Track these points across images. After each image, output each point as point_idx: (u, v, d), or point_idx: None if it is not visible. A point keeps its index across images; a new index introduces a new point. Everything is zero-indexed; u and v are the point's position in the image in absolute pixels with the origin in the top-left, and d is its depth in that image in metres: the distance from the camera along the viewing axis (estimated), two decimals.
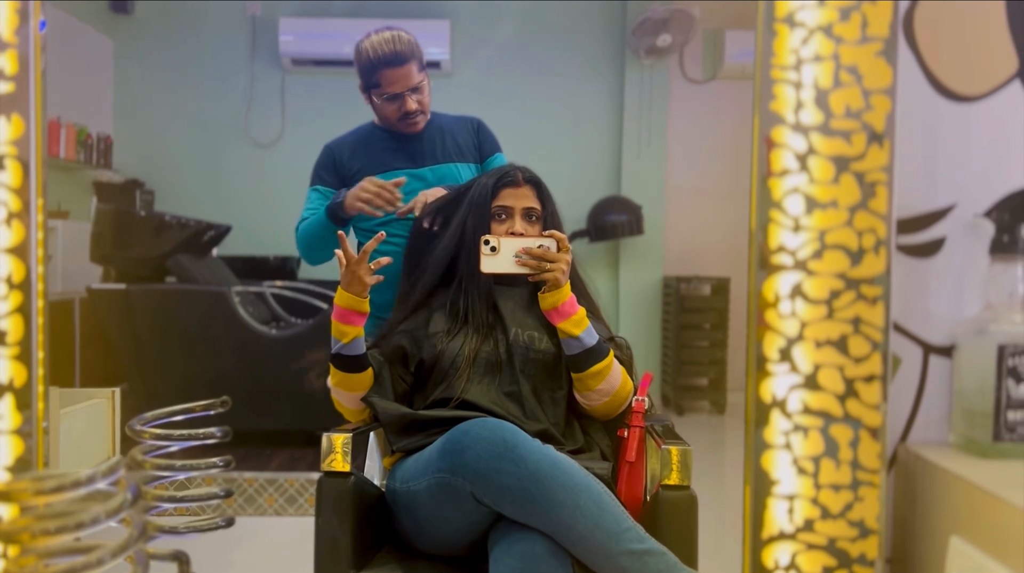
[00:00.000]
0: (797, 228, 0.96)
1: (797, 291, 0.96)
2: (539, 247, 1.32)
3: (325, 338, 1.36)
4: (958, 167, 1.09)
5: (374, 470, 1.45)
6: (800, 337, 0.96)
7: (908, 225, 1.09)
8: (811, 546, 0.96)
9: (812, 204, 0.96)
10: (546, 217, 1.44)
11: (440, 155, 1.72)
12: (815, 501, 0.96)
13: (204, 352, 3.11)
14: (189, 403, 1.07)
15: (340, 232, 1.39)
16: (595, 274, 4.37)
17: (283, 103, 4.40)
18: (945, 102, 1.08)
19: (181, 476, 1.00)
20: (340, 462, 1.22)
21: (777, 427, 0.97)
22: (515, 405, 1.33)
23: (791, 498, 0.97)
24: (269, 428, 3.11)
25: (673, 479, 1.19)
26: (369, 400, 1.34)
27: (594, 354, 1.33)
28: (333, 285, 1.33)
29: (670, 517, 1.18)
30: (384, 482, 1.37)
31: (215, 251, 3.64)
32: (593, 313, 1.44)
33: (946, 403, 1.10)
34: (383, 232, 1.32)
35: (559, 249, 1.33)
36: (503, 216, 1.42)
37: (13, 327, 0.94)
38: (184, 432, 0.98)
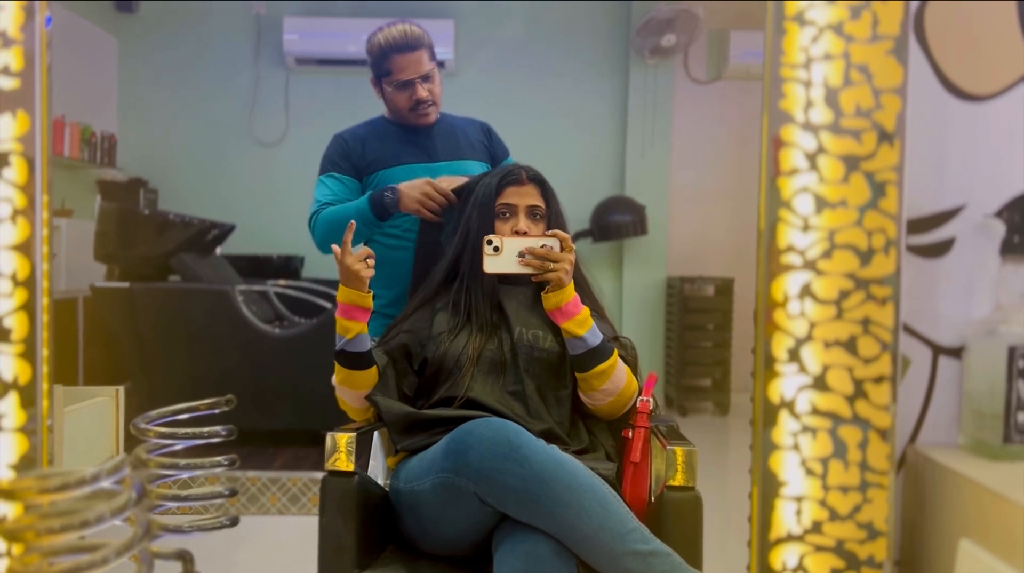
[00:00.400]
0: (806, 228, 0.96)
1: (806, 291, 0.96)
2: (542, 247, 1.32)
3: (329, 337, 1.36)
4: (968, 167, 1.08)
5: (378, 470, 1.45)
6: (809, 337, 0.96)
7: (918, 225, 1.08)
8: (819, 548, 0.96)
9: (821, 203, 0.96)
10: (550, 216, 1.44)
11: (453, 152, 1.71)
12: (823, 503, 0.96)
13: (207, 351, 3.11)
14: (193, 402, 1.07)
15: (334, 246, 1.35)
16: (598, 274, 4.35)
17: (287, 102, 4.40)
18: (956, 101, 1.08)
19: (185, 475, 1.00)
20: (344, 461, 1.21)
21: (785, 428, 0.96)
22: (519, 404, 1.33)
23: (799, 499, 0.96)
24: (272, 427, 3.10)
25: (678, 480, 1.19)
26: (373, 398, 1.34)
27: (598, 354, 1.33)
28: (337, 284, 1.33)
29: (675, 518, 1.17)
30: (388, 482, 1.36)
31: (219, 250, 3.64)
32: (597, 313, 1.44)
33: (955, 405, 1.10)
34: (353, 222, 1.30)
35: (562, 249, 1.33)
36: (507, 214, 1.41)
37: (18, 324, 0.94)
38: (189, 430, 0.98)
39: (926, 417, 1.10)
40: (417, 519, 1.24)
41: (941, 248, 1.09)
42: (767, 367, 0.96)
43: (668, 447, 1.20)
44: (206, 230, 3.38)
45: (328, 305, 3.35)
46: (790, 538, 0.96)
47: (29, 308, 0.93)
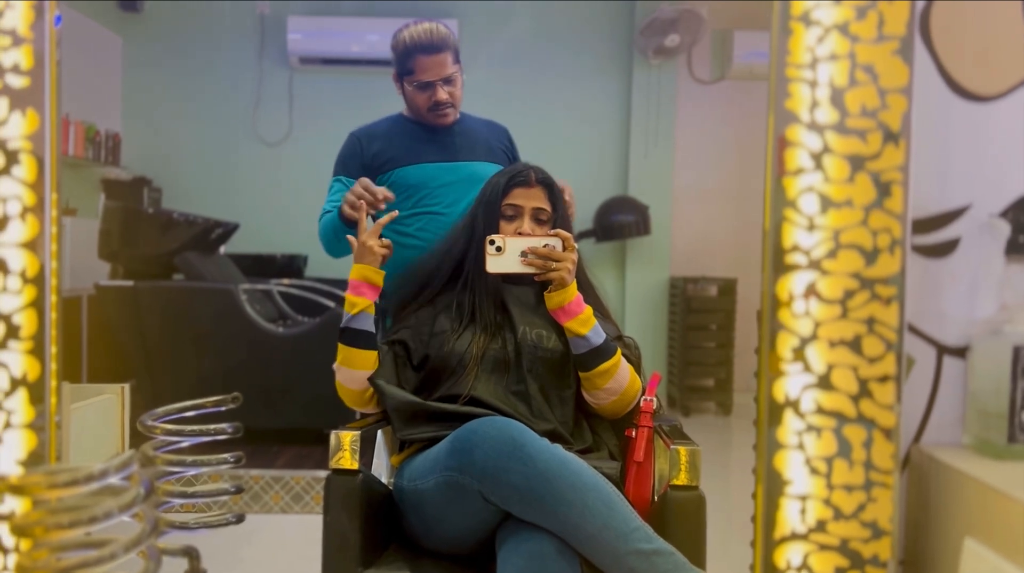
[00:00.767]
0: (812, 227, 0.96)
1: (811, 290, 0.96)
2: (544, 246, 1.32)
3: (332, 337, 1.36)
4: (974, 167, 1.08)
5: (381, 468, 1.45)
6: (814, 337, 0.96)
7: (923, 225, 1.09)
8: (823, 547, 0.96)
9: (827, 203, 0.96)
10: (556, 219, 1.44)
11: (472, 153, 1.70)
12: (828, 502, 0.96)
13: (211, 350, 3.11)
14: (199, 399, 1.07)
15: (350, 237, 1.38)
16: (601, 274, 4.35)
17: (291, 101, 4.41)
18: (961, 102, 1.08)
19: (192, 472, 1.00)
20: (348, 460, 1.22)
21: (790, 427, 0.96)
22: (523, 404, 1.33)
23: (804, 498, 0.96)
24: (275, 426, 3.11)
25: (681, 479, 1.19)
26: (376, 382, 1.34)
27: (601, 353, 1.33)
28: (340, 284, 1.34)
29: (678, 517, 1.18)
30: (391, 480, 1.37)
31: (223, 249, 3.64)
32: (601, 312, 1.44)
33: (960, 404, 1.10)
34: (396, 211, 1.37)
35: (565, 248, 1.33)
36: (512, 215, 1.42)
37: (27, 321, 0.94)
38: (196, 428, 0.98)
39: (930, 416, 1.10)
40: (421, 517, 1.24)
41: (946, 248, 1.09)
42: (772, 366, 0.96)
43: (672, 446, 1.21)
44: (210, 229, 3.38)
45: (331, 304, 3.36)
46: (794, 537, 0.96)
47: (38, 305, 0.94)
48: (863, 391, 0.96)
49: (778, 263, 0.96)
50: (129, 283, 3.10)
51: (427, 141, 1.69)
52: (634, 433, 1.34)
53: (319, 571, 1.19)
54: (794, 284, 0.96)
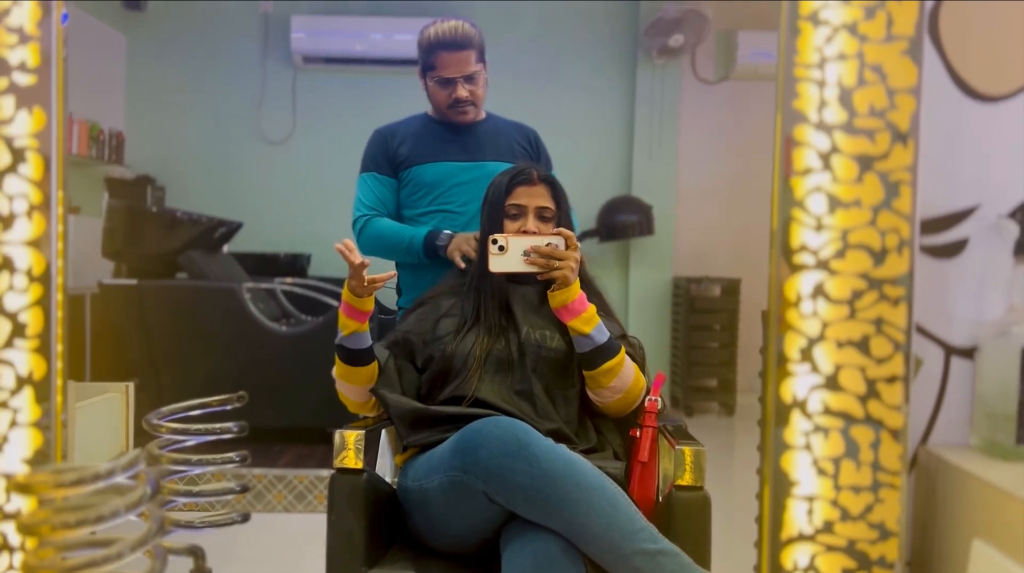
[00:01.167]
0: (819, 227, 0.96)
1: (819, 291, 0.96)
2: (547, 245, 1.32)
3: (335, 336, 1.36)
4: (982, 167, 1.08)
5: (386, 468, 1.45)
6: (822, 337, 0.95)
7: (931, 225, 1.08)
8: (830, 548, 0.96)
9: (835, 203, 0.95)
10: (560, 217, 1.44)
11: (492, 153, 1.69)
12: (835, 503, 0.95)
13: (214, 348, 3.12)
14: (205, 398, 1.07)
15: (349, 247, 1.36)
16: (605, 274, 4.36)
17: (294, 101, 4.41)
18: (969, 102, 1.07)
19: (197, 470, 1.00)
20: (352, 459, 1.21)
21: (797, 428, 0.96)
22: (527, 404, 1.33)
23: (811, 499, 0.96)
24: (278, 425, 3.11)
25: (686, 479, 1.19)
26: (379, 392, 1.34)
27: (605, 351, 1.33)
28: (343, 282, 1.33)
29: (683, 518, 1.17)
30: (396, 480, 1.37)
31: (226, 248, 3.65)
32: (604, 311, 1.44)
33: (967, 405, 1.09)
34: (395, 273, 1.37)
35: (567, 247, 1.33)
36: (516, 214, 1.41)
37: (33, 320, 0.94)
38: (201, 427, 0.98)
39: (938, 417, 1.10)
40: (425, 517, 1.24)
41: (954, 249, 1.09)
42: (779, 366, 0.96)
43: (676, 447, 1.20)
44: (213, 228, 3.39)
45: (334, 303, 3.36)
46: (801, 538, 0.96)
47: (44, 304, 0.94)
48: (871, 392, 0.95)
49: (786, 263, 0.96)
50: (133, 282, 3.10)
51: (448, 140, 1.69)
52: (638, 433, 1.34)
53: (323, 570, 1.19)
54: (802, 284, 0.96)
